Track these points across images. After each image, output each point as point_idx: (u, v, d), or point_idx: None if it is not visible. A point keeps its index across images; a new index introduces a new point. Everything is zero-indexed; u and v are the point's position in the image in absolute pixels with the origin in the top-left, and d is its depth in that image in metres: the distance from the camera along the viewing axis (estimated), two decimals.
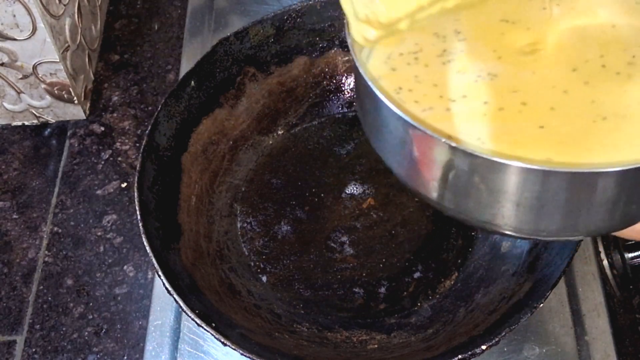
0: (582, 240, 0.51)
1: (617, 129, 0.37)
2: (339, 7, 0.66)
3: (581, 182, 0.36)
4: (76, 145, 0.72)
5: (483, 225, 0.41)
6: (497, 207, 0.38)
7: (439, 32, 0.43)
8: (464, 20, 0.44)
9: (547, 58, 0.42)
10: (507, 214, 0.38)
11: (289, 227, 0.61)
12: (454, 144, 0.36)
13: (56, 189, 0.69)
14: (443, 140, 0.36)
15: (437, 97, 0.40)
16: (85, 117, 0.73)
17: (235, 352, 0.47)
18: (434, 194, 0.41)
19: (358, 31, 0.40)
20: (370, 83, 0.39)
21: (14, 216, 0.67)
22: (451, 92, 0.40)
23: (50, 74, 0.68)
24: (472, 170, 0.37)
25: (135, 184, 0.54)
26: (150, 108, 0.74)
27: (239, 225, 0.61)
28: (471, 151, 0.35)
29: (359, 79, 0.41)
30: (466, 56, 0.42)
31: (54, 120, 0.74)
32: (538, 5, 0.45)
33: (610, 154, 0.36)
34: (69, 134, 0.73)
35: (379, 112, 0.40)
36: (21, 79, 0.69)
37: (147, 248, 0.51)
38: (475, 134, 0.38)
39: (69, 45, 0.69)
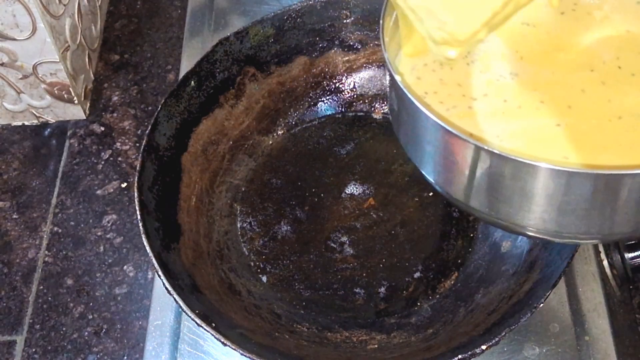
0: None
1: (632, 128, 0.38)
2: (339, 7, 0.66)
3: (607, 183, 0.36)
4: (76, 145, 0.72)
5: (514, 228, 0.42)
6: (524, 208, 0.39)
7: None
8: None
9: (567, 59, 0.43)
10: (537, 215, 0.39)
11: (289, 227, 0.61)
12: (478, 144, 0.36)
13: (56, 189, 0.69)
14: (468, 140, 0.37)
15: (461, 96, 0.41)
16: (85, 117, 0.73)
17: (235, 352, 0.47)
18: (463, 195, 0.42)
19: (438, 53, 0.41)
20: (405, 90, 0.39)
21: (14, 216, 0.68)
22: (473, 91, 0.41)
23: (50, 74, 0.68)
24: (496, 169, 0.37)
25: (135, 184, 0.54)
26: (150, 108, 0.74)
27: (239, 225, 0.61)
28: (494, 150, 0.36)
29: (394, 88, 0.41)
30: (490, 56, 0.43)
31: (54, 120, 0.74)
32: (556, 10, 0.46)
33: (626, 152, 0.37)
34: (69, 134, 0.73)
35: (411, 117, 0.41)
36: (21, 79, 0.69)
37: (147, 248, 0.51)
38: (495, 131, 0.39)
39: (69, 45, 0.69)
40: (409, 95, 0.39)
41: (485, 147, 0.36)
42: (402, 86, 0.39)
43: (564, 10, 0.46)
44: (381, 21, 0.43)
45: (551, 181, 0.36)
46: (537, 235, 0.42)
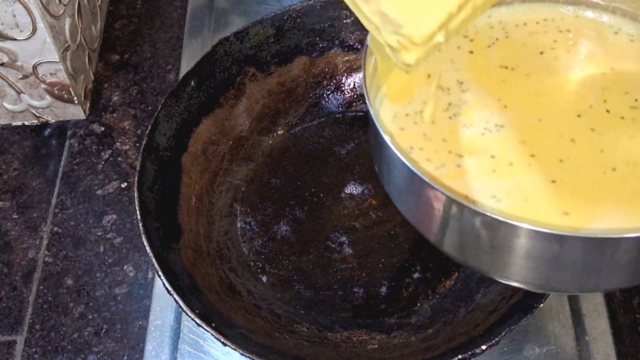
0: None
1: (628, 177, 0.37)
2: (338, 7, 0.66)
3: (597, 246, 0.34)
4: (76, 145, 0.72)
5: (498, 279, 0.41)
6: (510, 265, 0.38)
7: (442, 85, 0.43)
8: (464, 70, 0.43)
9: (551, 104, 0.41)
10: (520, 270, 0.38)
11: (288, 227, 0.61)
12: (472, 207, 0.35)
13: (56, 189, 0.69)
14: (462, 202, 0.35)
15: (447, 153, 0.39)
16: (85, 117, 0.73)
17: (235, 352, 0.47)
18: (446, 247, 0.41)
19: (398, 62, 0.39)
20: (389, 142, 0.38)
21: (14, 216, 0.67)
22: (459, 147, 0.40)
23: (50, 74, 0.68)
24: (489, 230, 0.36)
25: (135, 184, 0.54)
26: (150, 108, 0.74)
27: (239, 225, 0.61)
28: (490, 214, 0.35)
29: (383, 147, 0.40)
30: (471, 108, 0.41)
31: (54, 120, 0.74)
32: (534, 49, 0.44)
33: (626, 204, 0.36)
34: (69, 134, 0.73)
35: (397, 171, 0.39)
36: (21, 79, 0.69)
37: (147, 248, 0.51)
38: (489, 191, 0.37)
39: (69, 45, 0.69)
40: (408, 164, 0.37)
41: (473, 207, 0.35)
42: (398, 153, 0.37)
43: (542, 49, 0.44)
44: (363, 70, 0.42)
45: (536, 241, 0.35)
46: (524, 287, 0.41)
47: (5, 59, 0.66)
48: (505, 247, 0.36)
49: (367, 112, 0.40)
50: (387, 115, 0.42)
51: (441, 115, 0.41)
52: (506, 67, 0.43)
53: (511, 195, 0.37)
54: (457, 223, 0.38)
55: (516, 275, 0.39)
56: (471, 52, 0.45)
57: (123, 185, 0.69)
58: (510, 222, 0.34)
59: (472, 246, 0.39)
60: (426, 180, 0.36)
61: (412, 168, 0.37)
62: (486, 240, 0.37)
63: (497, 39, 0.45)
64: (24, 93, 0.70)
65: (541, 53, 0.44)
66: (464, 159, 0.39)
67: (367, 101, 0.40)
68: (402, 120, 0.41)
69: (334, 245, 0.59)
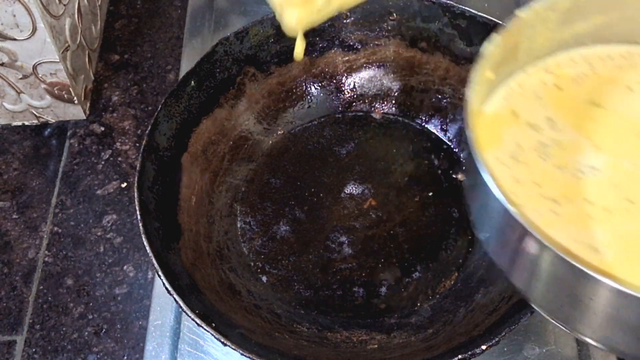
0: None
1: None
2: None
3: None
4: (76, 145, 0.72)
5: (578, 335, 0.38)
6: (606, 328, 0.36)
7: (530, 121, 0.41)
8: (551, 106, 0.41)
9: None
10: (620, 338, 0.36)
11: (288, 227, 0.61)
12: (582, 268, 0.32)
13: (56, 189, 0.69)
14: (566, 258, 0.32)
15: (540, 198, 0.37)
16: (85, 117, 0.73)
17: (235, 352, 0.47)
18: (535, 298, 0.38)
19: (283, 24, 0.38)
20: (491, 184, 0.35)
21: (14, 216, 0.67)
22: (553, 191, 0.38)
23: (50, 74, 0.68)
24: (587, 289, 0.33)
25: (135, 184, 0.54)
26: (150, 108, 0.74)
27: (238, 225, 0.61)
28: (592, 273, 0.32)
29: (479, 181, 0.37)
30: (563, 148, 0.39)
31: (54, 120, 0.74)
32: (621, 85, 0.42)
33: None
34: (69, 134, 0.73)
35: (495, 215, 0.37)
36: (21, 79, 0.69)
37: (147, 248, 0.51)
38: (587, 241, 0.35)
39: (69, 45, 0.69)
40: (524, 223, 0.34)
41: (582, 268, 0.32)
42: (502, 198, 0.34)
43: (631, 84, 0.42)
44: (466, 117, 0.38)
45: None
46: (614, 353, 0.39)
47: (5, 59, 0.66)
48: (601, 309, 0.34)
49: (469, 153, 0.37)
50: None
51: (532, 156, 0.40)
52: (593, 103, 0.42)
53: (610, 246, 0.35)
54: (553, 277, 0.35)
55: (612, 341, 0.36)
56: (557, 87, 0.43)
57: (123, 185, 0.69)
58: (611, 284, 0.31)
59: (569, 303, 0.36)
60: (528, 228, 0.34)
61: (515, 216, 0.34)
62: (582, 299, 0.34)
63: (582, 73, 0.43)
64: (24, 93, 0.70)
65: (630, 89, 0.42)
66: (559, 205, 0.37)
67: (470, 142, 0.37)
68: (492, 164, 0.39)
69: (333, 245, 0.59)
